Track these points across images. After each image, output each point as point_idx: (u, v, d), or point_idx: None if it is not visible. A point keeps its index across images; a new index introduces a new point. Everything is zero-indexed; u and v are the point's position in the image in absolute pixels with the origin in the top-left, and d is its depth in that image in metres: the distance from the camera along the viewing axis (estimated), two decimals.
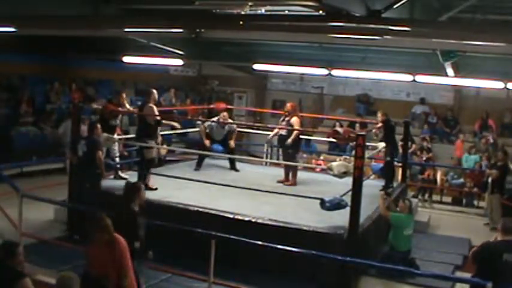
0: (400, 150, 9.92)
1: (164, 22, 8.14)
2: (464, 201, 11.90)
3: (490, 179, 10.10)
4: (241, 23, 7.57)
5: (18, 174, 10.73)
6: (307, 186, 8.92)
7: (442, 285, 6.53)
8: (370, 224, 7.20)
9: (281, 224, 6.79)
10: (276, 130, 9.57)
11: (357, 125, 13.74)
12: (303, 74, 16.83)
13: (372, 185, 8.46)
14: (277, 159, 10.94)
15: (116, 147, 9.05)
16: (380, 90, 16.18)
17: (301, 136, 9.54)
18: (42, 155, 12.13)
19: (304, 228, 6.68)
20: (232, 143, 10.13)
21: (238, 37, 11.13)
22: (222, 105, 11.21)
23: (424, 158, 12.68)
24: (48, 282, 5.49)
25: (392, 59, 13.10)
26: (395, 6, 6.75)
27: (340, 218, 6.72)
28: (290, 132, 8.93)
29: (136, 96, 16.28)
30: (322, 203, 6.74)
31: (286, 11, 7.53)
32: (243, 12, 7.26)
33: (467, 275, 6.16)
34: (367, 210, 7.28)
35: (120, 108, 8.94)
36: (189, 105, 15.98)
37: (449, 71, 11.63)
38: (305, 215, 7.09)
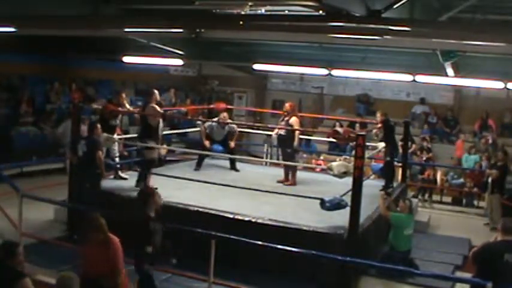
0: (400, 150, 9.92)
1: (164, 22, 8.14)
2: (464, 201, 11.90)
3: (490, 179, 10.10)
4: (241, 23, 7.57)
5: (18, 174, 10.74)
6: (307, 186, 8.92)
7: (442, 285, 6.53)
8: (370, 224, 7.20)
9: (281, 224, 6.79)
10: (276, 130, 9.57)
11: (357, 125, 13.75)
12: (303, 74, 16.83)
13: (372, 185, 8.46)
14: (277, 159, 10.94)
15: (115, 147, 9.05)
16: (380, 90, 16.18)
17: (300, 136, 9.54)
18: (42, 155, 12.13)
19: (304, 228, 6.68)
20: (232, 143, 10.13)
21: (238, 37, 11.13)
22: (222, 105, 11.22)
23: (424, 158, 12.68)
24: (48, 282, 5.49)
25: (392, 59, 13.10)
26: (395, 6, 6.75)
27: (340, 218, 6.73)
28: (289, 132, 8.93)
29: (136, 96, 16.30)
30: (322, 203, 6.74)
31: (286, 11, 7.52)
32: (243, 12, 7.26)
33: (467, 275, 6.16)
34: (367, 210, 7.28)
35: (120, 108, 8.93)
36: (189, 105, 15.98)
37: (449, 71, 11.63)
38: (305, 215, 7.09)
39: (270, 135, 10.04)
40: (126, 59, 14.07)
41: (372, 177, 10.02)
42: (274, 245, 5.80)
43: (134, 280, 6.11)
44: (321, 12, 6.63)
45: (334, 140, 9.80)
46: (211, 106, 12.73)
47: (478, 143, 13.23)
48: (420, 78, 12.93)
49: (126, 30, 9.38)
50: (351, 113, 16.16)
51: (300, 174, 9.78)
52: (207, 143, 9.92)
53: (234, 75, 17.34)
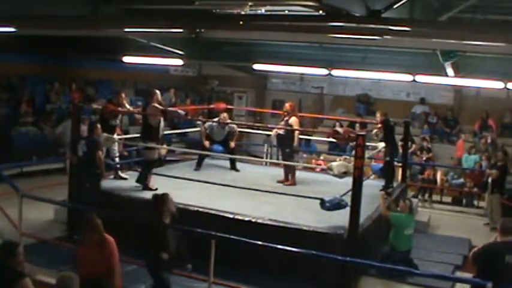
0: (400, 150, 9.92)
1: (164, 22, 8.14)
2: (464, 201, 11.90)
3: (490, 179, 10.10)
4: (241, 23, 7.57)
5: (18, 174, 10.73)
6: (307, 186, 8.92)
7: (442, 285, 6.53)
8: (370, 224, 7.20)
9: (281, 224, 6.79)
10: (275, 130, 9.58)
11: (357, 125, 13.75)
12: (303, 74, 16.83)
13: (372, 185, 8.47)
14: (277, 159, 10.94)
15: (115, 147, 9.04)
16: (380, 90, 16.18)
17: (300, 136, 9.53)
18: (42, 155, 12.13)
19: (304, 228, 6.68)
20: (232, 143, 10.13)
21: (238, 37, 11.13)
22: (222, 105, 11.22)
23: (424, 158, 12.68)
24: (48, 282, 5.49)
25: (392, 59, 13.11)
26: (395, 6, 6.75)
27: (340, 218, 6.73)
28: (288, 132, 8.93)
29: (136, 96, 16.30)
30: (322, 203, 6.74)
31: (286, 11, 7.53)
32: (243, 12, 7.26)
33: (467, 275, 6.16)
34: (367, 210, 7.28)
35: (120, 108, 8.93)
36: (189, 105, 15.99)
37: (449, 71, 11.64)
38: (305, 215, 7.09)
39: (270, 135, 10.03)
40: (126, 59, 14.07)
41: (372, 177, 10.02)
42: (274, 245, 5.80)
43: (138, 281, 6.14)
44: (321, 12, 6.63)
45: (334, 140, 9.79)
46: (211, 106, 12.73)
47: (478, 143, 13.24)
48: (420, 78, 12.93)
49: (126, 30, 9.38)
50: (351, 113, 16.16)
51: (300, 174, 9.78)
52: (206, 143, 9.91)
53: (234, 75, 17.34)
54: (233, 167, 10.18)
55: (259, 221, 6.89)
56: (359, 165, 6.50)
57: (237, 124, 10.89)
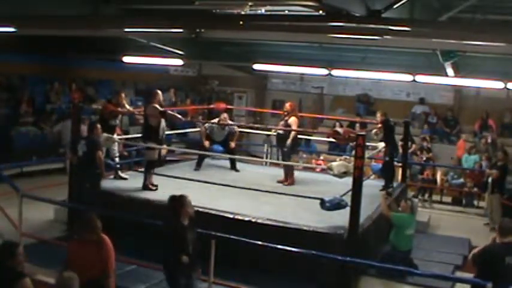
0: (400, 150, 9.92)
1: (164, 22, 8.14)
2: (464, 201, 11.90)
3: (490, 179, 10.10)
4: (241, 23, 7.57)
5: (18, 174, 10.74)
6: (307, 186, 8.92)
7: (442, 285, 6.53)
8: (370, 224, 7.20)
9: (281, 224, 6.79)
10: (273, 130, 9.58)
11: (357, 125, 13.75)
12: (303, 74, 16.83)
13: (372, 185, 8.47)
14: (277, 159, 10.94)
15: (115, 147, 9.04)
16: (380, 90, 16.18)
17: (299, 136, 9.52)
18: (42, 155, 12.14)
19: (304, 228, 6.68)
20: (232, 143, 10.13)
21: (238, 37, 11.14)
22: (222, 105, 11.22)
23: (424, 158, 12.68)
24: (48, 282, 5.48)
25: (392, 59, 13.11)
26: (395, 6, 6.75)
27: (340, 218, 6.72)
28: (287, 132, 8.94)
29: (136, 96, 16.31)
30: (322, 203, 6.74)
31: (286, 11, 7.53)
32: (243, 12, 7.26)
33: (467, 275, 6.16)
34: (367, 210, 7.28)
35: (119, 109, 8.92)
36: (189, 105, 15.99)
37: (449, 71, 11.64)
38: (305, 215, 7.09)
39: (269, 135, 10.03)
40: (126, 59, 14.07)
41: (372, 177, 10.02)
42: (274, 245, 5.80)
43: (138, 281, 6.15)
44: (321, 12, 6.63)
45: (334, 140, 9.79)
46: (211, 106, 12.73)
47: (478, 143, 13.23)
48: (420, 78, 12.93)
49: (126, 30, 9.39)
50: (351, 113, 16.16)
51: (300, 174, 9.78)
52: (206, 143, 9.91)
53: (234, 75, 17.35)
54: (233, 167, 10.18)
55: (259, 221, 6.89)
56: (359, 165, 6.49)
57: (236, 124, 10.88)
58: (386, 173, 9.31)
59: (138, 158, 11.59)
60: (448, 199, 12.12)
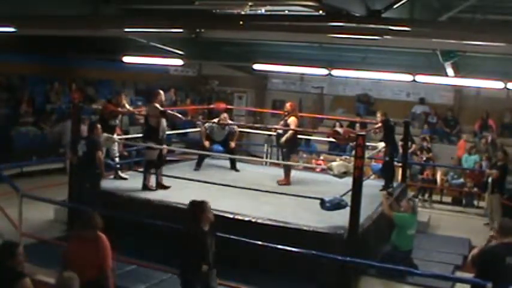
0: (400, 150, 9.92)
1: (164, 22, 8.14)
2: (464, 201, 11.89)
3: (490, 179, 10.10)
4: (241, 23, 7.57)
5: (18, 174, 10.74)
6: (307, 186, 8.91)
7: (442, 285, 6.53)
8: (370, 224, 7.20)
9: (281, 224, 6.78)
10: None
11: (357, 125, 13.75)
12: (303, 74, 16.83)
13: (372, 185, 8.47)
14: (277, 159, 10.94)
15: (115, 147, 9.04)
16: (380, 90, 16.18)
17: (299, 136, 9.52)
18: (42, 155, 12.14)
19: (304, 228, 6.68)
20: (232, 143, 10.13)
21: (238, 37, 11.14)
22: (222, 105, 11.22)
23: (424, 158, 12.68)
24: (48, 282, 5.48)
25: (392, 59, 13.11)
26: (395, 6, 6.75)
27: (340, 218, 6.72)
28: (286, 132, 8.94)
29: (137, 96, 16.30)
30: (322, 203, 6.73)
31: (286, 11, 7.53)
32: (243, 12, 7.26)
33: (467, 275, 6.15)
34: (367, 210, 7.28)
35: (119, 109, 8.92)
36: (189, 105, 15.99)
37: (449, 71, 11.64)
38: (305, 215, 7.09)
39: (271, 135, 10.03)
40: (126, 59, 14.07)
41: (372, 177, 10.02)
42: (274, 245, 5.80)
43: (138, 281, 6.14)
44: (321, 12, 6.63)
45: (334, 140, 9.79)
46: (211, 106, 12.73)
47: (479, 143, 13.23)
48: (420, 78, 12.93)
49: (126, 30, 9.38)
50: (351, 113, 16.16)
51: (300, 174, 9.78)
52: (206, 143, 9.91)
53: (234, 75, 17.35)
54: (233, 167, 10.18)
55: (259, 221, 6.89)
56: (359, 165, 6.49)
57: (237, 125, 10.88)
58: (386, 173, 9.31)
59: (138, 158, 11.60)
60: (448, 199, 12.12)
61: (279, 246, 5.80)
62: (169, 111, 8.53)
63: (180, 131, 12.30)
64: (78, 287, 4.12)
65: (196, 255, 4.86)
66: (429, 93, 15.52)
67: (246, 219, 6.94)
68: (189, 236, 4.96)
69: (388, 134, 9.17)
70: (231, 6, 7.29)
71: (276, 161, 10.90)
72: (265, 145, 12.97)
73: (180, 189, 8.10)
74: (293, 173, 9.41)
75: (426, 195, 11.90)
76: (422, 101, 15.54)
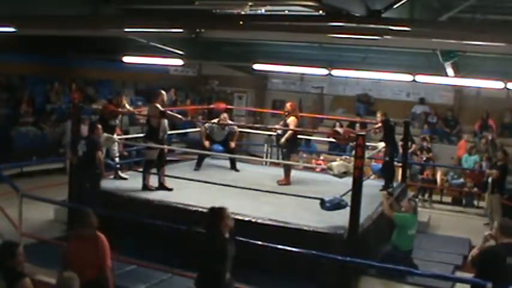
0: (400, 150, 9.92)
1: (164, 22, 8.14)
2: (464, 201, 11.89)
3: (490, 179, 10.10)
4: (241, 23, 7.57)
5: (18, 174, 10.73)
6: (306, 186, 8.91)
7: (442, 285, 6.53)
8: (370, 224, 7.20)
9: (281, 224, 6.78)
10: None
11: (357, 125, 13.75)
12: (303, 74, 16.83)
13: (372, 185, 8.46)
14: (277, 159, 10.94)
15: (115, 147, 9.04)
16: (380, 90, 16.18)
17: (299, 136, 9.51)
18: (42, 155, 12.14)
19: (304, 228, 6.67)
20: (233, 143, 10.13)
21: (238, 37, 11.14)
22: (222, 105, 11.22)
23: (424, 158, 12.68)
24: (48, 282, 5.48)
25: (392, 59, 13.11)
26: (395, 6, 6.75)
27: (340, 218, 6.72)
28: (286, 132, 8.94)
29: (136, 96, 16.30)
30: (322, 203, 6.73)
31: (286, 11, 7.52)
32: (243, 12, 7.26)
33: (467, 275, 6.15)
34: (367, 210, 7.28)
35: (119, 109, 8.92)
36: (189, 105, 15.98)
37: (449, 71, 11.63)
38: (305, 215, 7.08)
39: (271, 135, 10.03)
40: (126, 59, 14.07)
41: (372, 177, 10.02)
42: (274, 245, 5.80)
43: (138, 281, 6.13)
44: (321, 12, 6.63)
45: (334, 140, 9.79)
46: (211, 106, 12.73)
47: (479, 143, 13.23)
48: (420, 78, 12.93)
49: (126, 30, 9.38)
50: (351, 113, 16.16)
51: (300, 174, 9.78)
52: (206, 143, 9.91)
53: (234, 75, 17.34)
54: (233, 167, 10.18)
55: (259, 221, 6.88)
56: (359, 165, 6.49)
57: (236, 124, 10.88)
58: (386, 173, 9.32)
59: (138, 158, 11.60)
60: (448, 199, 12.11)
61: (279, 246, 5.79)
62: (168, 112, 8.52)
63: (180, 131, 12.30)
64: (78, 287, 4.12)
65: (216, 263, 4.71)
66: (429, 93, 15.52)
67: (246, 219, 6.93)
68: (209, 243, 4.81)
69: (388, 134, 9.17)
70: (231, 6, 7.28)
71: (276, 161, 10.90)
72: (265, 145, 12.96)
73: (180, 189, 8.10)
74: (293, 173, 9.41)
75: (426, 195, 11.90)
76: (422, 101, 15.54)
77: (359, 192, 6.48)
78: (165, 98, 8.55)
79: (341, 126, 13.68)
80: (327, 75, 14.71)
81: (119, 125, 9.89)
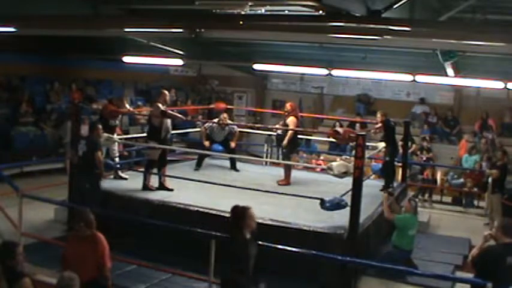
0: (400, 150, 9.92)
1: (164, 22, 8.14)
2: (464, 201, 11.89)
3: (490, 179, 10.10)
4: (241, 23, 7.56)
5: (18, 174, 10.73)
6: (307, 186, 8.91)
7: (442, 285, 6.53)
8: (370, 224, 7.20)
9: (281, 224, 6.78)
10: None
11: (357, 125, 13.74)
12: (303, 74, 16.82)
13: (372, 185, 8.47)
14: (277, 159, 10.94)
15: (115, 147, 9.04)
16: (380, 90, 16.18)
17: (299, 136, 9.51)
18: (42, 155, 12.14)
19: (304, 228, 6.68)
20: (233, 143, 10.13)
21: (238, 37, 11.12)
22: (222, 105, 11.23)
23: (424, 158, 12.68)
24: (48, 282, 5.48)
25: (392, 59, 13.10)
26: (395, 6, 6.75)
27: (340, 218, 6.72)
28: (285, 132, 8.94)
29: (136, 96, 16.30)
30: (322, 203, 6.73)
31: (286, 11, 7.52)
32: (243, 12, 7.25)
33: (467, 275, 6.15)
34: (367, 210, 7.28)
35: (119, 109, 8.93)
36: (190, 105, 15.98)
37: (449, 71, 11.62)
38: (305, 215, 7.09)
39: (271, 135, 10.03)
40: (126, 59, 14.07)
41: (372, 177, 10.02)
42: (274, 245, 5.80)
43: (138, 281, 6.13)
44: (321, 12, 6.63)
45: (334, 140, 9.79)
46: (211, 106, 12.73)
47: (479, 143, 13.23)
48: (420, 78, 12.91)
49: (126, 30, 9.38)
50: (351, 113, 16.15)
51: (300, 174, 9.78)
52: (206, 143, 9.91)
53: (234, 75, 17.35)
54: (233, 167, 10.18)
55: (260, 221, 6.82)
56: (359, 165, 6.49)
57: (236, 124, 10.88)
58: (386, 173, 9.32)
59: (138, 158, 11.60)
60: (448, 199, 12.12)
61: (279, 246, 5.79)
62: (169, 111, 8.52)
63: (180, 131, 12.31)
64: (78, 287, 4.12)
65: (238, 264, 4.63)
66: (429, 93, 15.52)
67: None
68: (230, 244, 4.74)
69: (388, 134, 9.17)
70: (231, 6, 7.28)
71: (276, 161, 10.90)
72: (265, 145, 12.96)
73: (180, 189, 8.10)
74: (293, 173, 9.41)
75: (426, 195, 11.90)
76: (422, 101, 15.54)
77: (359, 192, 6.48)
78: (168, 97, 8.55)
79: (341, 126, 13.67)
80: (327, 75, 14.68)
81: (119, 125, 9.88)
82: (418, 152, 12.88)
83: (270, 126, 13.24)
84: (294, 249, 5.74)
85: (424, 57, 12.10)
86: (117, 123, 9.20)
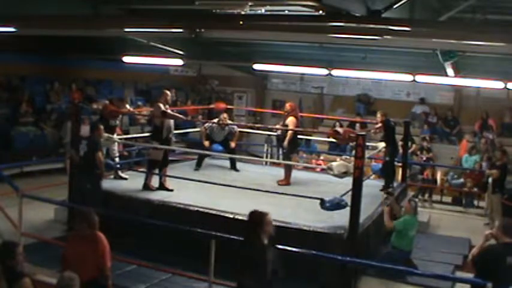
0: (400, 150, 9.92)
1: (164, 22, 8.14)
2: (464, 201, 11.89)
3: (490, 179, 10.10)
4: (241, 23, 7.56)
5: (18, 174, 10.73)
6: (307, 186, 8.91)
7: (442, 285, 6.53)
8: (370, 224, 7.20)
9: (281, 224, 6.77)
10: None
11: (357, 125, 13.74)
12: (303, 74, 16.82)
13: (372, 185, 8.47)
14: (278, 159, 10.94)
15: (115, 147, 9.05)
16: (380, 90, 16.18)
17: (299, 136, 9.51)
18: (42, 155, 12.14)
19: (304, 228, 6.68)
20: (233, 143, 10.13)
21: (238, 37, 11.13)
22: (222, 105, 11.23)
23: (424, 158, 12.68)
24: (48, 282, 5.48)
25: (393, 59, 13.10)
26: (395, 6, 6.75)
27: (340, 218, 6.72)
28: (285, 132, 8.94)
29: (137, 96, 16.31)
30: (322, 203, 6.73)
31: (286, 11, 7.52)
32: (243, 12, 7.25)
33: (467, 275, 6.15)
34: (367, 210, 7.28)
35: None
36: (190, 105, 15.99)
37: (449, 71, 11.62)
38: (305, 215, 7.09)
39: (271, 135, 10.04)
40: (126, 59, 14.07)
41: (372, 177, 10.02)
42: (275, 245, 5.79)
43: (138, 281, 6.13)
44: (321, 12, 6.63)
45: (334, 140, 9.79)
46: (211, 106, 12.73)
47: (479, 143, 13.23)
48: (420, 78, 12.91)
49: (126, 30, 9.38)
50: (351, 113, 16.15)
51: (300, 174, 9.77)
52: (206, 143, 9.91)
53: (234, 75, 17.35)
54: (233, 167, 10.18)
55: None
56: (359, 165, 6.49)
57: (236, 124, 10.88)
58: (386, 173, 9.32)
59: (138, 158, 11.60)
60: (448, 199, 12.12)
61: (279, 246, 5.78)
62: (169, 112, 8.53)
63: (180, 131, 12.31)
64: (78, 287, 4.12)
65: (255, 269, 4.56)
66: (429, 93, 15.52)
67: (246, 219, 6.92)
68: (248, 249, 4.67)
69: (388, 134, 9.18)
70: (231, 6, 7.28)
71: (276, 161, 10.90)
72: (265, 145, 12.96)
73: (180, 189, 8.10)
74: (293, 173, 9.41)
75: (426, 195, 11.90)
76: (422, 101, 15.54)
77: (359, 192, 6.48)
78: (169, 97, 8.56)
79: (341, 126, 13.67)
80: (327, 75, 14.68)
81: (119, 125, 9.88)
82: (418, 152, 12.88)
83: (270, 126, 13.25)
84: (293, 249, 5.74)
85: (424, 57, 12.10)
86: (117, 123, 9.20)
